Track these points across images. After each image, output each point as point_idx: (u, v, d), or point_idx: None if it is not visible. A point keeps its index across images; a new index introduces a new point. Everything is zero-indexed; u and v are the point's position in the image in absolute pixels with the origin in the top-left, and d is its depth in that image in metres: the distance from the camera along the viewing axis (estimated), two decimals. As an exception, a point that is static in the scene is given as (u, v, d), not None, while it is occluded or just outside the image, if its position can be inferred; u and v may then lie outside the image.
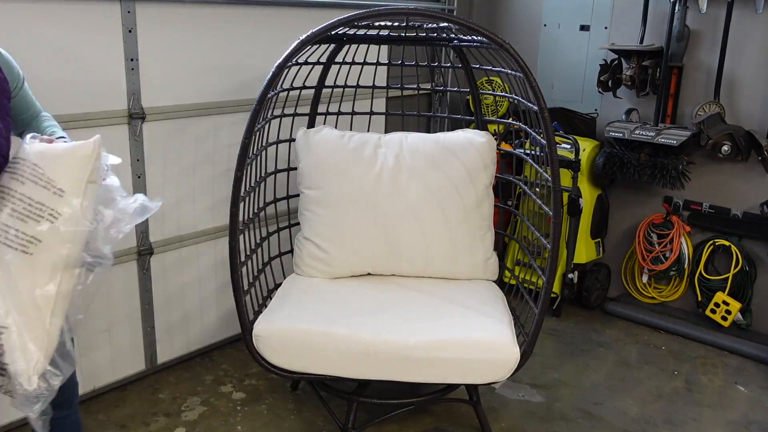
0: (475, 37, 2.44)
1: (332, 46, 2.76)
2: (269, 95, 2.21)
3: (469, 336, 2.17)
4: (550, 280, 2.16)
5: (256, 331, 2.21)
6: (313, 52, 2.69)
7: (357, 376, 2.19)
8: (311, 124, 2.83)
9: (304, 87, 2.71)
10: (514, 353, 2.17)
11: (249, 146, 2.13)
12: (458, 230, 2.58)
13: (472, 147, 2.60)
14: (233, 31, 2.77)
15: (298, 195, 2.72)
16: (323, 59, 2.79)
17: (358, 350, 2.13)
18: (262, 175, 2.58)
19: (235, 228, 2.16)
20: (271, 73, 2.12)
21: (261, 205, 2.62)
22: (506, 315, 2.33)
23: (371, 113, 2.95)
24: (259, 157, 2.48)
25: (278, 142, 2.71)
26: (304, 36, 2.07)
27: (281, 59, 2.11)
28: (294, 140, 2.72)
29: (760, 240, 3.25)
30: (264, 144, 2.56)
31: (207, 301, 2.96)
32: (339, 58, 2.80)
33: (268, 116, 2.53)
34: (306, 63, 2.66)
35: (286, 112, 2.74)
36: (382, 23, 2.54)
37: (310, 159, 2.58)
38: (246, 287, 2.31)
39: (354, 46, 2.84)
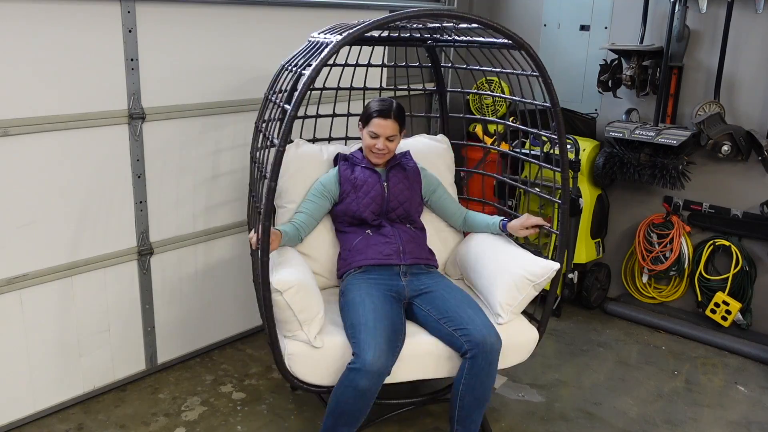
0: (482, 38, 2.41)
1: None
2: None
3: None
4: (560, 262, 2.31)
5: (289, 350, 2.10)
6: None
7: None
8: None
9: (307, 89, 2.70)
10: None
11: (284, 154, 1.99)
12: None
13: (432, 153, 2.78)
14: (233, 31, 2.77)
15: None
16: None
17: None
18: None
19: (266, 243, 1.98)
20: (307, 76, 1.96)
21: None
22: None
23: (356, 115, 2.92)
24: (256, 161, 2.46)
25: (270, 146, 2.68)
26: (340, 38, 1.96)
27: (318, 62, 1.95)
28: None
29: (760, 240, 3.25)
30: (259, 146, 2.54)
31: (207, 301, 2.96)
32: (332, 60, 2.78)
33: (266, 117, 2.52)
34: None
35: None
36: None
37: (288, 175, 2.53)
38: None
39: (345, 48, 2.82)
